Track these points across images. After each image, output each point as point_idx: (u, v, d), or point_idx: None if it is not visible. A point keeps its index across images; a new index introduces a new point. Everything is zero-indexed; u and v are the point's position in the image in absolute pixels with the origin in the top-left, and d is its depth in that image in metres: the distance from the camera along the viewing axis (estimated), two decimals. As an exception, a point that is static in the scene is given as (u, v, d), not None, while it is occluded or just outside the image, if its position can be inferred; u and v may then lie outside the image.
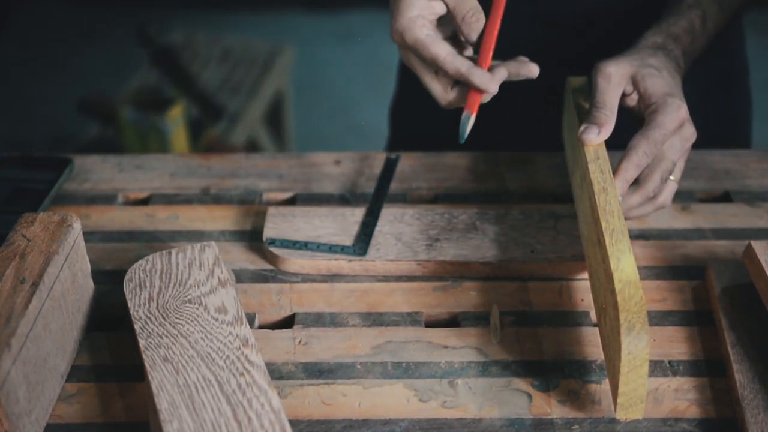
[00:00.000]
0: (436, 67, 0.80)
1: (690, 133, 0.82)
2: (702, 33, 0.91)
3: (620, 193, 0.78)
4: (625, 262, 0.69)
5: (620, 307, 0.66)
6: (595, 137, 0.81)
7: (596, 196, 0.76)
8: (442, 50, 0.79)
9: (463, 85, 0.81)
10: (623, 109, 0.84)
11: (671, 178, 0.83)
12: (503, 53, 0.93)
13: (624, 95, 0.84)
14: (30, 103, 2.86)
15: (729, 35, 1.03)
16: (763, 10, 3.00)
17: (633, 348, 0.65)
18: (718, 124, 0.89)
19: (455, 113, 1.07)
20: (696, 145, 0.83)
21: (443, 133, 1.03)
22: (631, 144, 0.80)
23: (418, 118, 1.20)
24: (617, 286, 0.68)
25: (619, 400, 0.67)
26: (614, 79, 0.82)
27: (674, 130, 0.80)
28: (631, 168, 0.79)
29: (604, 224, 0.73)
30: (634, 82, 0.83)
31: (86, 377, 0.74)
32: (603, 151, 0.81)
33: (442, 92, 0.81)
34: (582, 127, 0.82)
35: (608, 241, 0.71)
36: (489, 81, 0.79)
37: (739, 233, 0.89)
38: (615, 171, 0.79)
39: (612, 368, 0.68)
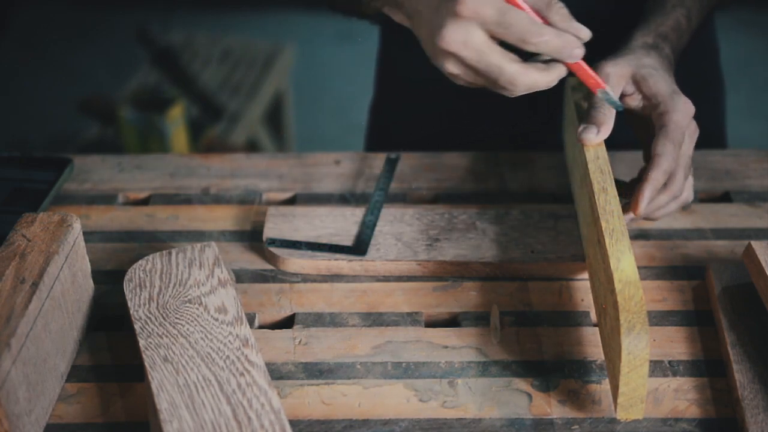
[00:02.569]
0: (527, 44, 0.72)
1: (695, 126, 0.82)
2: (687, 30, 0.93)
3: (648, 198, 0.78)
4: (625, 262, 0.69)
5: (620, 307, 0.66)
6: (595, 137, 0.81)
7: (596, 196, 0.76)
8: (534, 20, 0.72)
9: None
10: (623, 109, 0.84)
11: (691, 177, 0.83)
12: None
13: (623, 95, 0.84)
14: (30, 103, 2.86)
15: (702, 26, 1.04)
16: (762, 11, 3.01)
17: (633, 348, 0.65)
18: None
19: (432, 117, 1.08)
20: None
21: (421, 136, 1.03)
22: (658, 150, 0.79)
23: (396, 120, 1.20)
24: (617, 286, 0.68)
25: (619, 401, 0.67)
26: (613, 79, 0.82)
27: (687, 124, 0.81)
28: (660, 176, 0.78)
29: (604, 224, 0.73)
30: (635, 82, 0.83)
31: (86, 377, 0.74)
32: (603, 151, 0.81)
33: (541, 75, 0.74)
34: (581, 127, 0.82)
35: (608, 241, 0.71)
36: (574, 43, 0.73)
37: (739, 233, 0.89)
38: (644, 179, 0.78)
39: (612, 368, 0.68)
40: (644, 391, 0.66)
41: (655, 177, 0.78)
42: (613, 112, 0.82)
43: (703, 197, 0.95)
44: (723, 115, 1.21)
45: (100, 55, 3.07)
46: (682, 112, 0.80)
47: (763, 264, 0.75)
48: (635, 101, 0.84)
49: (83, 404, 0.72)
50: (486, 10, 0.71)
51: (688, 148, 0.81)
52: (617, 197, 0.76)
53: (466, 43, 0.72)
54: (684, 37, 0.92)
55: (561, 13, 0.74)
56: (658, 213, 0.83)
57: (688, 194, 0.84)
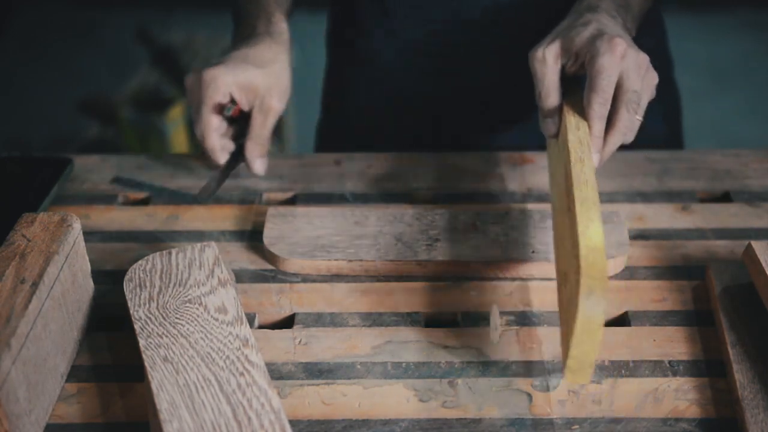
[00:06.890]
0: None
1: (641, 57, 0.79)
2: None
3: (598, 133, 0.78)
4: (593, 230, 0.68)
5: (582, 272, 0.64)
6: (554, 127, 0.81)
7: (572, 165, 0.75)
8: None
9: None
10: (573, 80, 0.84)
11: (637, 116, 0.80)
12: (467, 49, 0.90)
13: (565, 68, 0.83)
14: (30, 103, 2.86)
15: (652, 23, 1.03)
16: (761, 10, 3.01)
17: (590, 312, 0.62)
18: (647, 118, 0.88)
19: (381, 132, 1.08)
20: (633, 145, 0.83)
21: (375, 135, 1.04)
22: (585, 106, 0.79)
23: (342, 138, 1.20)
24: (582, 251, 0.66)
25: (568, 362, 0.64)
26: (549, 59, 0.81)
27: (618, 64, 0.78)
28: (596, 121, 0.78)
29: (577, 192, 0.71)
30: (566, 50, 0.82)
31: (86, 377, 0.74)
32: (584, 124, 0.79)
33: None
34: (541, 124, 0.82)
35: (579, 209, 0.70)
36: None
37: (739, 233, 0.89)
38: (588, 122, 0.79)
39: (566, 331, 0.66)
40: (594, 356, 0.64)
41: (592, 119, 0.78)
42: (559, 90, 0.82)
43: (704, 197, 0.95)
44: (679, 124, 1.21)
45: (100, 55, 3.08)
46: (604, 55, 0.77)
47: (763, 264, 0.75)
48: (574, 67, 0.83)
49: (83, 404, 0.72)
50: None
51: (631, 82, 0.78)
52: (593, 168, 0.75)
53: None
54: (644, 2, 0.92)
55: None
56: (605, 152, 0.82)
57: (631, 134, 0.81)
